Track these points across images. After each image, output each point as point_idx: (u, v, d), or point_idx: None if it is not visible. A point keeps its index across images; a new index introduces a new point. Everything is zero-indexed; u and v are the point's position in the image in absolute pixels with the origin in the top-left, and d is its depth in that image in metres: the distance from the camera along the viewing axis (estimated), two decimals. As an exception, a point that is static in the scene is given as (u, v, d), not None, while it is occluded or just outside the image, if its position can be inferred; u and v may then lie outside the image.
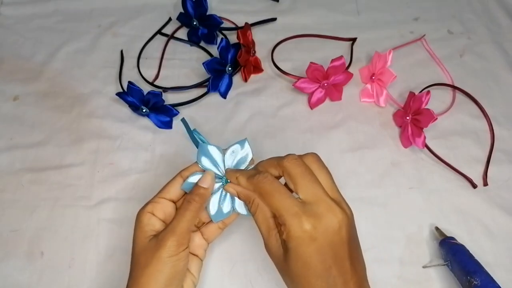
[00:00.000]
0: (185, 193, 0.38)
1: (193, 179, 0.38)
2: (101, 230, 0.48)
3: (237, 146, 0.39)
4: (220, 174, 0.38)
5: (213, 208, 0.38)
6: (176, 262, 0.35)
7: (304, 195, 0.33)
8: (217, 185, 0.38)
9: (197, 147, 0.39)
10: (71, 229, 0.48)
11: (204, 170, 0.38)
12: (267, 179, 0.35)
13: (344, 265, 0.32)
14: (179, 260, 0.35)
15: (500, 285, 0.40)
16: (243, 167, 0.39)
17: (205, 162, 0.38)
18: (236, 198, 0.38)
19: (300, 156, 0.35)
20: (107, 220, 0.49)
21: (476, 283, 0.40)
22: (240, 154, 0.39)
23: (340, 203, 0.34)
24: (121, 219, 0.49)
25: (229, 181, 0.38)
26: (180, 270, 0.35)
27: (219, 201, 0.38)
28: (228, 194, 0.38)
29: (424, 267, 0.46)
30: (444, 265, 0.45)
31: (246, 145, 0.39)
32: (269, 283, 0.45)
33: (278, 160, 0.35)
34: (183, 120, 0.44)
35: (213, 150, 0.38)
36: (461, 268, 0.42)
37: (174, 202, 0.39)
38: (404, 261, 0.46)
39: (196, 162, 0.39)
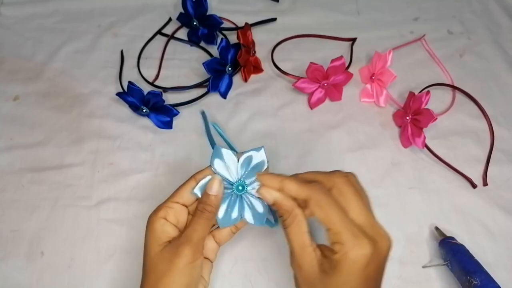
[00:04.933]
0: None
1: (204, 184, 0.37)
2: (101, 230, 0.48)
3: (253, 153, 0.37)
4: (232, 180, 0.37)
5: (221, 213, 0.37)
6: (193, 270, 0.34)
7: (356, 216, 0.31)
8: (227, 191, 0.37)
9: (212, 147, 0.38)
10: (71, 229, 0.48)
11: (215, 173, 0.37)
12: (325, 189, 0.32)
13: None
14: (195, 268, 0.34)
15: (500, 285, 0.40)
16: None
17: (218, 166, 0.37)
18: (246, 206, 0.37)
19: (332, 176, 0.34)
20: (107, 220, 0.49)
21: (476, 283, 0.40)
22: (255, 161, 0.37)
23: (382, 233, 0.32)
24: (121, 219, 0.49)
25: (244, 187, 0.37)
26: (196, 277, 0.35)
27: (228, 207, 0.37)
28: (238, 201, 0.37)
29: (424, 267, 0.46)
30: (444, 265, 0.45)
31: (262, 152, 0.37)
32: (269, 283, 0.45)
33: (326, 173, 0.33)
34: (202, 113, 0.42)
35: (227, 154, 0.37)
36: (461, 268, 0.42)
37: (187, 207, 0.38)
38: (404, 261, 0.46)
39: (209, 165, 0.38)
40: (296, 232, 0.32)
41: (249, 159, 0.37)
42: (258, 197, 0.37)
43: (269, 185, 0.34)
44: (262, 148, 0.37)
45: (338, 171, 0.34)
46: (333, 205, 0.31)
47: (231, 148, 0.42)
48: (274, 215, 0.42)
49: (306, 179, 0.34)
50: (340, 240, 0.30)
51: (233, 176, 0.37)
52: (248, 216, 0.37)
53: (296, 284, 0.34)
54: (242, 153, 0.37)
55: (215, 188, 0.35)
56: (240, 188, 0.37)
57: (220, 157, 0.37)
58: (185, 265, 0.33)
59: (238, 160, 0.37)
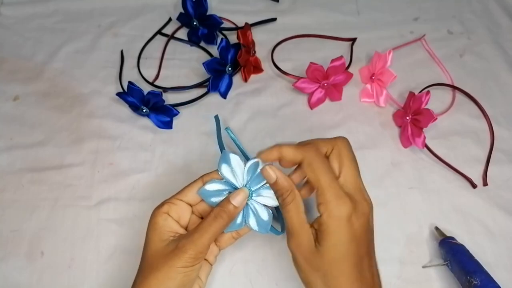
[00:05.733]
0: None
1: (210, 187, 0.37)
2: (101, 230, 0.48)
3: (259, 161, 0.37)
4: (238, 186, 0.37)
5: (253, 222, 0.38)
6: (190, 272, 0.34)
7: (345, 179, 0.34)
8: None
9: (221, 151, 0.38)
10: (71, 229, 0.48)
11: (222, 178, 0.38)
12: (318, 152, 0.34)
13: (372, 257, 0.33)
14: (193, 270, 0.34)
15: (500, 285, 0.40)
16: (263, 182, 0.37)
17: (225, 170, 0.37)
18: (251, 212, 0.37)
19: (332, 140, 0.36)
20: (107, 220, 0.49)
21: (476, 283, 0.40)
22: (260, 167, 0.37)
23: (366, 196, 0.35)
24: (121, 219, 0.49)
25: (250, 193, 0.37)
26: (191, 279, 0.35)
27: (256, 213, 0.38)
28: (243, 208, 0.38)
29: (424, 267, 0.46)
30: (444, 265, 0.45)
31: (259, 164, 0.37)
32: (269, 283, 0.45)
33: (329, 139, 0.36)
34: (216, 118, 0.43)
35: (234, 159, 0.37)
36: (461, 268, 0.42)
37: (191, 206, 0.38)
38: (404, 261, 0.46)
39: (217, 169, 0.38)
40: (294, 211, 0.34)
41: (255, 165, 0.37)
42: (264, 205, 0.38)
43: (269, 156, 0.35)
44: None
45: (342, 136, 0.36)
46: (323, 167, 0.34)
47: (244, 155, 0.42)
48: (281, 223, 0.43)
49: (304, 143, 0.36)
50: (324, 200, 0.33)
51: (239, 182, 0.38)
52: (252, 222, 0.38)
53: (296, 265, 0.35)
54: (250, 158, 0.37)
55: (239, 200, 0.36)
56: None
57: (228, 162, 0.37)
58: (183, 267, 0.33)
59: (245, 166, 0.37)
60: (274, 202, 0.37)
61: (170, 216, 0.36)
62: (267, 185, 0.37)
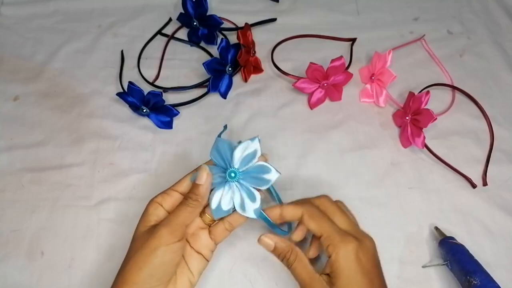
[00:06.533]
0: None
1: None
2: (101, 230, 0.48)
3: (247, 143, 0.38)
4: (224, 168, 0.38)
5: (214, 203, 0.37)
6: (166, 253, 0.34)
7: (341, 224, 0.38)
8: (220, 180, 0.38)
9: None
10: (71, 229, 0.48)
11: (215, 164, 0.38)
12: (315, 205, 0.39)
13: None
14: (170, 252, 0.35)
15: (500, 285, 0.40)
16: (251, 163, 0.38)
17: (215, 155, 0.38)
18: (239, 196, 0.37)
19: (316, 200, 0.40)
20: (107, 220, 0.49)
21: (475, 282, 0.40)
22: (248, 150, 0.38)
23: (365, 234, 0.38)
24: (121, 219, 0.49)
25: (236, 173, 0.37)
26: (169, 262, 0.35)
27: (221, 197, 0.38)
28: (230, 191, 0.38)
29: (423, 267, 0.46)
30: (443, 265, 0.45)
31: (256, 142, 0.38)
32: (269, 283, 0.45)
33: (314, 198, 0.40)
34: (225, 127, 0.43)
35: (222, 144, 0.38)
36: (461, 268, 0.42)
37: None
38: (404, 261, 0.46)
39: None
40: (301, 266, 0.37)
41: (243, 148, 0.38)
42: (253, 188, 0.38)
43: (272, 214, 0.39)
44: (256, 138, 0.38)
45: (324, 195, 0.41)
46: (322, 216, 0.38)
47: (276, 196, 0.47)
48: (289, 225, 0.45)
49: (299, 201, 0.40)
50: (331, 242, 0.36)
51: (228, 164, 0.38)
52: (238, 206, 0.38)
53: None
54: (239, 143, 0.38)
55: (203, 178, 0.37)
56: (233, 175, 0.37)
57: (217, 147, 0.38)
58: (158, 246, 0.34)
59: (234, 149, 0.38)
60: (263, 185, 0.37)
61: (161, 206, 0.38)
62: (258, 165, 0.37)
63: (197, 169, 0.38)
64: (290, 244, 0.38)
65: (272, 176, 0.37)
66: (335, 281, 0.35)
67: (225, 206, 0.38)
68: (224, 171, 0.38)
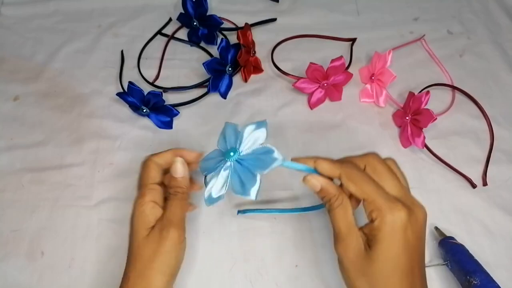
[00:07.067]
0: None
1: (205, 158, 0.38)
2: (101, 230, 0.48)
3: (253, 126, 0.36)
4: (225, 150, 0.36)
5: (206, 192, 0.36)
6: (179, 252, 0.36)
7: (390, 189, 0.33)
8: (218, 164, 0.36)
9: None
10: (71, 229, 0.48)
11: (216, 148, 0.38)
12: (356, 166, 0.34)
13: (422, 267, 0.32)
14: (181, 249, 0.36)
15: (500, 285, 0.40)
16: (254, 146, 0.35)
17: (220, 140, 0.38)
18: (236, 178, 0.35)
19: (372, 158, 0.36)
20: (107, 220, 0.49)
21: (475, 282, 0.40)
22: (253, 133, 0.36)
23: (416, 203, 0.34)
24: (121, 219, 0.48)
25: (236, 151, 0.35)
26: (180, 258, 0.37)
27: (212, 185, 0.36)
28: (225, 176, 0.35)
29: (423, 267, 0.46)
30: (443, 264, 0.45)
31: (262, 125, 0.36)
32: (269, 283, 0.45)
33: (360, 156, 0.36)
34: (264, 123, 0.42)
35: (229, 127, 0.38)
36: (461, 268, 0.42)
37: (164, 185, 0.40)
38: (404, 261, 0.46)
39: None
40: (342, 214, 0.33)
41: (249, 130, 0.36)
42: (248, 169, 0.35)
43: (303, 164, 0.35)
44: (264, 122, 0.36)
45: (371, 152, 0.36)
46: (365, 178, 0.33)
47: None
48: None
49: (338, 160, 0.36)
50: (377, 206, 0.31)
51: (230, 147, 0.36)
52: (240, 187, 0.34)
53: (342, 269, 0.34)
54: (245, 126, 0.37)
55: (179, 170, 0.37)
56: (232, 153, 0.35)
57: (223, 131, 0.38)
58: (172, 247, 0.35)
59: (239, 132, 0.37)
60: (264, 167, 0.34)
61: (157, 204, 0.37)
62: (260, 147, 0.35)
63: (173, 152, 0.39)
64: (338, 188, 0.34)
65: (275, 159, 0.34)
66: (372, 245, 0.32)
67: (215, 194, 0.35)
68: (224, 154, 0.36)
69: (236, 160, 0.35)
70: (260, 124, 0.36)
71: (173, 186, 0.38)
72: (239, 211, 0.47)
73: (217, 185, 0.35)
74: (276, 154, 0.34)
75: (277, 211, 0.47)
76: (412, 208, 0.32)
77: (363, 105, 0.58)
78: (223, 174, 0.35)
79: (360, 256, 0.32)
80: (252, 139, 0.36)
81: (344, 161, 0.35)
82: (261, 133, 0.36)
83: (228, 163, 0.36)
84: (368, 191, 0.32)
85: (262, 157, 0.34)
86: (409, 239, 0.31)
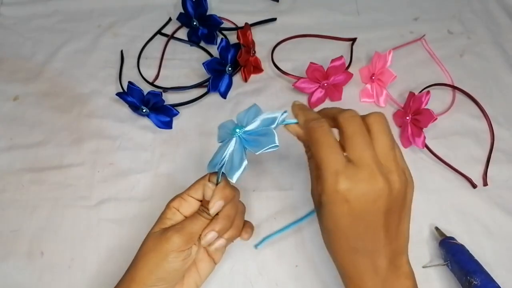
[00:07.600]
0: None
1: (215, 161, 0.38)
2: (101, 230, 0.48)
3: (274, 112, 0.36)
4: (234, 126, 0.37)
5: (228, 164, 0.36)
6: (176, 259, 0.35)
7: (352, 156, 0.31)
8: (226, 135, 0.38)
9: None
10: (71, 229, 0.48)
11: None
12: (321, 128, 0.33)
13: (377, 234, 0.31)
14: (181, 259, 0.35)
15: (500, 285, 0.40)
16: (261, 128, 0.36)
17: (241, 115, 0.39)
18: (230, 155, 0.36)
19: (363, 116, 0.33)
20: (107, 220, 0.49)
21: (475, 283, 0.40)
22: (268, 116, 0.36)
23: (389, 173, 0.30)
24: (121, 219, 0.49)
25: (242, 127, 0.36)
26: (177, 267, 0.35)
27: (232, 156, 0.36)
28: (236, 149, 0.36)
29: (424, 267, 0.46)
30: (444, 265, 0.45)
31: (279, 113, 0.36)
32: (269, 283, 0.45)
33: (336, 112, 0.34)
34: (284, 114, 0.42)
35: (254, 108, 0.39)
36: (461, 268, 0.42)
37: (200, 201, 0.38)
38: (404, 261, 0.46)
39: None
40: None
41: (267, 114, 0.37)
42: (245, 153, 0.35)
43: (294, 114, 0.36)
44: (285, 113, 0.36)
45: (349, 109, 0.35)
46: (323, 142, 0.32)
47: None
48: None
49: (318, 115, 0.36)
50: (320, 175, 0.31)
51: (241, 123, 0.38)
52: (230, 166, 0.35)
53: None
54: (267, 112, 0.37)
55: (215, 208, 0.36)
56: (237, 130, 0.36)
57: (248, 109, 0.39)
58: (168, 250, 0.34)
59: (257, 112, 0.38)
60: (258, 148, 0.34)
61: (178, 212, 0.37)
62: (263, 129, 0.36)
63: (209, 178, 0.38)
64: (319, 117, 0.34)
65: (273, 142, 0.34)
66: (320, 205, 0.32)
67: (236, 163, 0.35)
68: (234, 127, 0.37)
69: (239, 136, 0.36)
70: (278, 113, 0.36)
71: (204, 209, 0.37)
72: (256, 245, 0.47)
73: (237, 158, 0.36)
74: (276, 139, 0.34)
75: (286, 228, 0.47)
76: (363, 180, 0.30)
77: (364, 105, 0.58)
78: (224, 151, 0.37)
79: (317, 207, 0.34)
80: (264, 123, 0.36)
81: (318, 117, 0.35)
82: (275, 119, 0.36)
83: (234, 139, 0.37)
84: (319, 157, 0.31)
85: (262, 138, 0.35)
86: (352, 209, 0.30)
